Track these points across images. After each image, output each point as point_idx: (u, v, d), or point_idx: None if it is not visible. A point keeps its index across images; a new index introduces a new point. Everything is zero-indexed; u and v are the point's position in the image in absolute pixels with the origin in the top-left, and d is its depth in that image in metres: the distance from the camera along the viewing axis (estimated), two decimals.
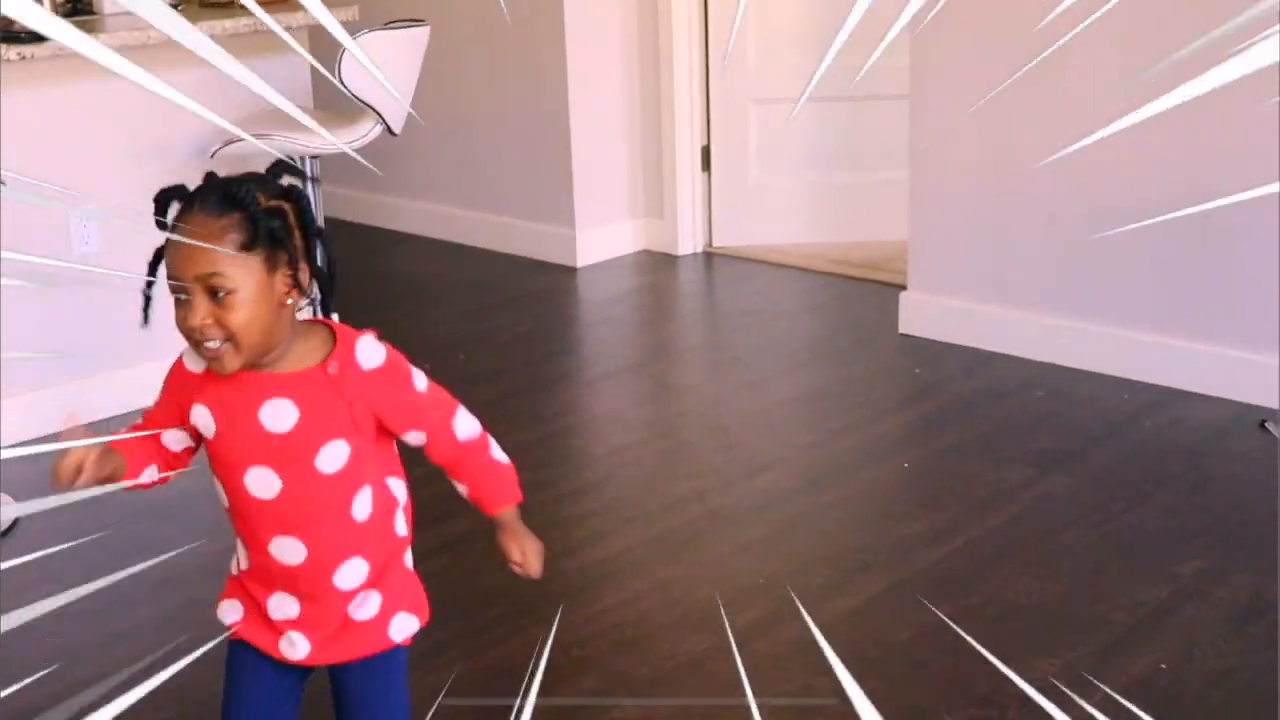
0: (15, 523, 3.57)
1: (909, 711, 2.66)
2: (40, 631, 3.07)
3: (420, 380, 1.96)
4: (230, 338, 1.79)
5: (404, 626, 1.99)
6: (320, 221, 4.27)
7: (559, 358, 4.74)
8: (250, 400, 1.85)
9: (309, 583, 1.93)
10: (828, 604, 3.05)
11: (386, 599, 1.96)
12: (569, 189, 5.50)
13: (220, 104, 4.26)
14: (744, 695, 2.65)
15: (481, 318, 5.05)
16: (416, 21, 4.21)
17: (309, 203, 1.84)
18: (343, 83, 3.96)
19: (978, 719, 2.63)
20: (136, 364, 4.26)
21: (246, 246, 1.76)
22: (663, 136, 5.54)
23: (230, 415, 1.86)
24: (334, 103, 4.33)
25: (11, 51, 3.71)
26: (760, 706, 2.56)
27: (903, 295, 4.66)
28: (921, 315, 4.59)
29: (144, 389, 4.21)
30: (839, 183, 5.57)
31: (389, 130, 4.14)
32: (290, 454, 1.86)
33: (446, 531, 3.43)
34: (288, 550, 1.91)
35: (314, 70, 4.50)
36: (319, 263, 1.86)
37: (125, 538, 3.48)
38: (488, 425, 4.00)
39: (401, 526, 2.00)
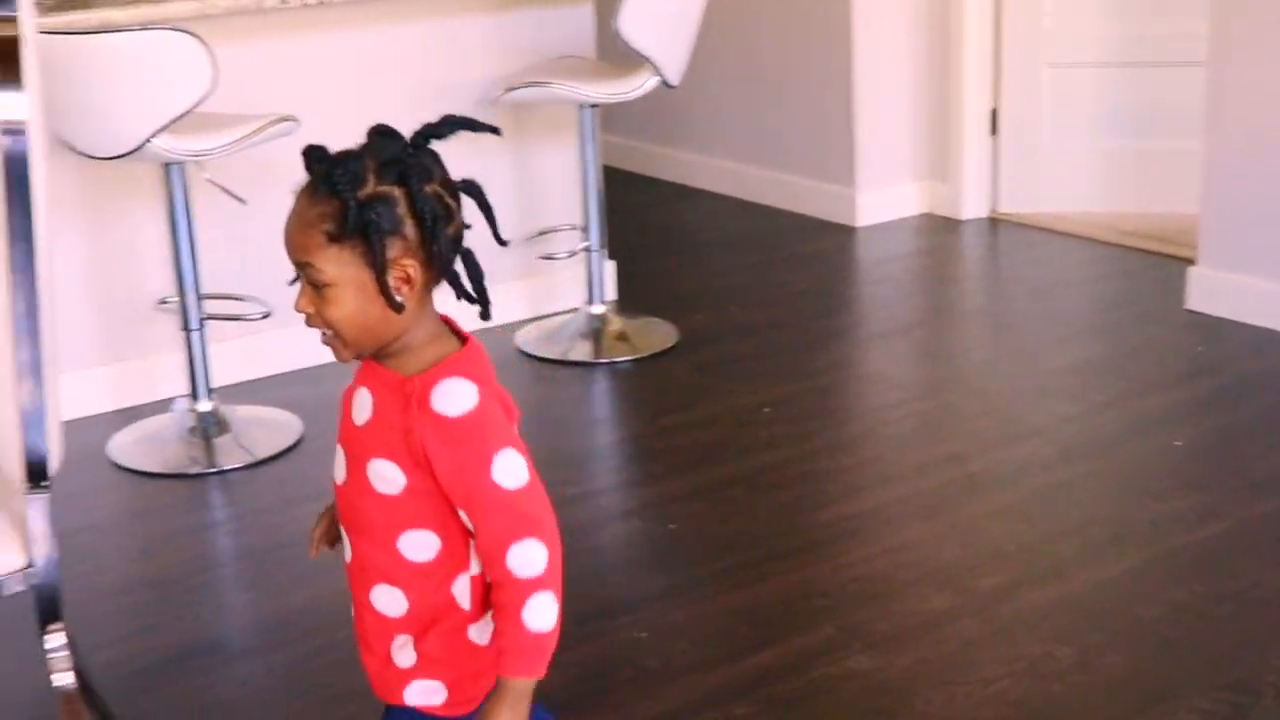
0: (301, 439, 3.77)
1: (1154, 689, 2.57)
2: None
3: (508, 474, 1.62)
4: (333, 330, 1.64)
5: (423, 692, 1.75)
6: (597, 173, 4.40)
7: (832, 315, 4.72)
8: (357, 381, 1.73)
9: (355, 587, 1.77)
10: (1076, 574, 2.97)
11: (421, 660, 1.73)
12: (851, 148, 5.46)
13: (505, 51, 4.42)
14: (982, 657, 2.62)
15: (757, 272, 5.07)
16: None
17: (420, 189, 1.59)
18: (620, 33, 4.01)
19: (1229, 704, 2.53)
20: None
21: (335, 238, 1.59)
22: (949, 98, 5.44)
23: (349, 390, 1.75)
24: (616, 54, 4.40)
25: None
26: (1001, 671, 2.52)
27: (1191, 270, 4.47)
28: (1210, 291, 4.40)
29: None
30: (1132, 151, 5.37)
31: (665, 82, 4.17)
32: (355, 449, 1.71)
33: (698, 478, 3.48)
34: (346, 542, 1.77)
35: (598, 20, 4.58)
36: (445, 255, 1.63)
37: None
38: (754, 375, 4.01)
39: (463, 596, 1.72)
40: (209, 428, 3.80)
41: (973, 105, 5.41)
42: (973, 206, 5.51)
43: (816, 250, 5.30)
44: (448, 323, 1.71)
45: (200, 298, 3.75)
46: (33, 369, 1.92)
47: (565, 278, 4.59)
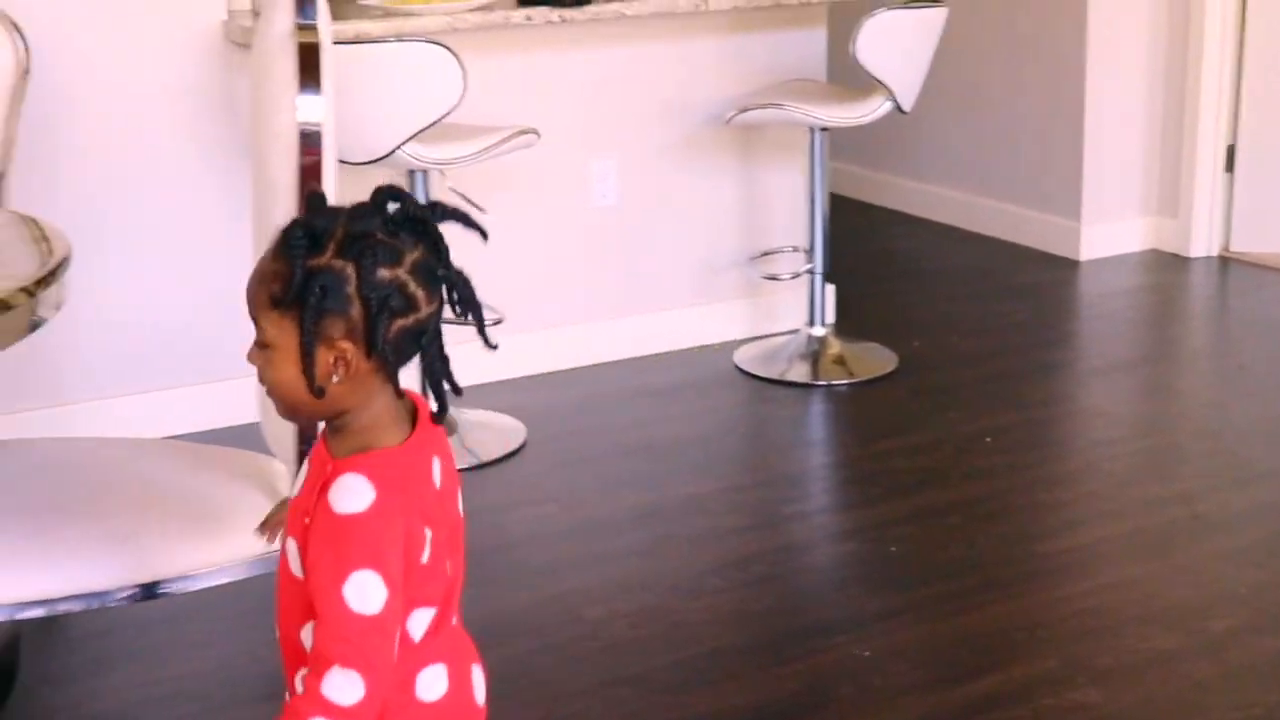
0: (524, 444, 3.86)
1: None
2: (532, 548, 3.34)
3: (360, 596, 1.48)
4: (269, 391, 1.55)
5: None
6: (824, 196, 4.41)
7: (1052, 348, 4.66)
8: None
9: (285, 668, 1.65)
10: None
11: None
12: (1078, 181, 5.38)
13: (739, 72, 4.49)
14: (1213, 700, 2.57)
15: (977, 301, 5.03)
16: (935, 2, 4.22)
17: (371, 272, 1.48)
18: (856, 57, 4.03)
19: None
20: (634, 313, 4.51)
21: (277, 302, 1.49)
22: (1184, 133, 5.33)
23: None
24: (847, 77, 4.42)
25: (556, 14, 3.98)
26: (1235, 716, 2.47)
27: None
28: None
29: (641, 339, 4.45)
30: None
31: (898, 108, 4.18)
32: (289, 522, 1.61)
33: (915, 503, 3.48)
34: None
35: (830, 45, 4.60)
36: (391, 347, 1.51)
37: (616, 470, 3.72)
38: (973, 404, 3.92)
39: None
40: None
41: (1208, 140, 5.29)
42: (1203, 244, 5.38)
43: (1037, 282, 5.24)
44: (419, 407, 1.61)
45: None
46: None
47: (784, 299, 4.62)
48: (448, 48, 3.48)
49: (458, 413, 3.95)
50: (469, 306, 1.57)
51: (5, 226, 2.69)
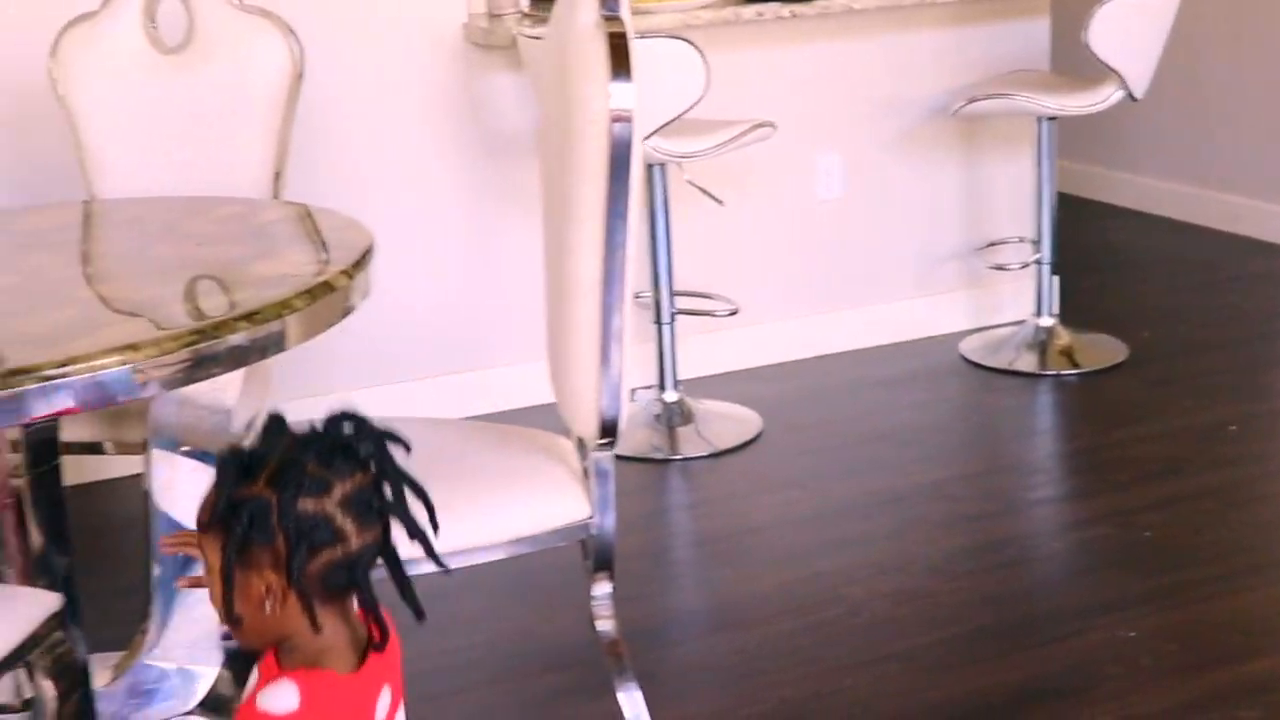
0: (760, 433, 3.92)
1: None
2: (780, 531, 3.40)
3: None
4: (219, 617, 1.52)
5: None
6: (1053, 186, 4.37)
7: None
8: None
9: None
10: None
11: None
12: None
13: (960, 64, 4.48)
14: None
15: (1202, 292, 4.96)
16: None
17: (290, 505, 1.43)
18: (1089, 45, 4.02)
19: None
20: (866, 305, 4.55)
21: (205, 527, 1.47)
22: None
23: None
24: (1072, 66, 4.40)
25: (785, 10, 4.04)
26: None
27: None
28: None
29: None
30: None
31: (1130, 95, 4.15)
32: None
33: (1163, 490, 3.46)
34: None
35: (1053, 34, 4.58)
36: (311, 580, 1.46)
37: (853, 458, 3.76)
38: (1210, 393, 3.86)
39: None
40: (673, 417, 3.99)
41: None
42: None
43: (1264, 272, 5.14)
44: (373, 634, 1.55)
45: (673, 294, 3.96)
46: (617, 335, 2.10)
47: (1007, 290, 4.61)
48: (692, 43, 3.56)
49: (693, 402, 4.03)
50: (415, 536, 1.53)
51: (289, 220, 2.83)
